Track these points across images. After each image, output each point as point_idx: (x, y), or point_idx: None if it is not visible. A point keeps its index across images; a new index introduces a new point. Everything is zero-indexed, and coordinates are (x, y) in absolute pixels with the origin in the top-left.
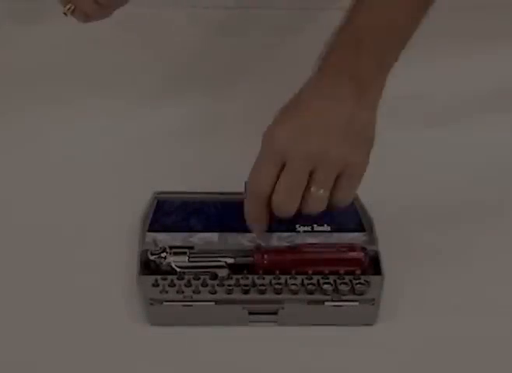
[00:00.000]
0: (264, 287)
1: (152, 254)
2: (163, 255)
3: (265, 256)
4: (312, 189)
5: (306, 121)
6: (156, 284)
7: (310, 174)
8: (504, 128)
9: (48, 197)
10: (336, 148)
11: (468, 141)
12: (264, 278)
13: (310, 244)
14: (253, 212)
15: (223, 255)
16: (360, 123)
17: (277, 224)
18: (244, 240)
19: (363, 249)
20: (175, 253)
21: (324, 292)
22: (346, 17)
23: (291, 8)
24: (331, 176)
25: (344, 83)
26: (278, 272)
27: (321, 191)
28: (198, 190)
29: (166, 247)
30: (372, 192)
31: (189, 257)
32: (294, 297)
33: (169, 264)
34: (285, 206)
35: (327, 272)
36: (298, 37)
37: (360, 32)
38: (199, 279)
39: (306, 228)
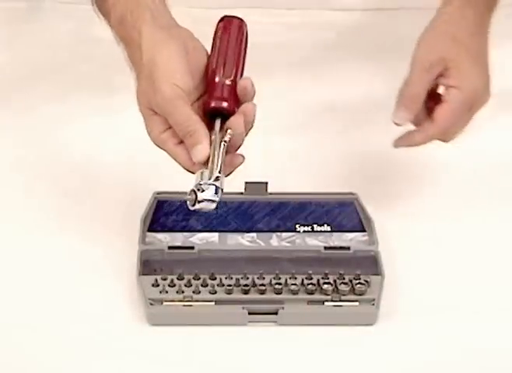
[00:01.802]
0: (264, 287)
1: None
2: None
3: None
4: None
5: None
6: (155, 284)
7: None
8: (504, 128)
9: (48, 197)
10: None
11: (469, 141)
12: (264, 278)
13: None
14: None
15: None
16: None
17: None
18: (244, 240)
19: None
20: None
21: (324, 292)
22: None
23: (292, 8)
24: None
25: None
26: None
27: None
28: None
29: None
30: (372, 192)
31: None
32: (294, 297)
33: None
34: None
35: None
36: (298, 37)
37: None
38: (199, 279)
39: (306, 228)
